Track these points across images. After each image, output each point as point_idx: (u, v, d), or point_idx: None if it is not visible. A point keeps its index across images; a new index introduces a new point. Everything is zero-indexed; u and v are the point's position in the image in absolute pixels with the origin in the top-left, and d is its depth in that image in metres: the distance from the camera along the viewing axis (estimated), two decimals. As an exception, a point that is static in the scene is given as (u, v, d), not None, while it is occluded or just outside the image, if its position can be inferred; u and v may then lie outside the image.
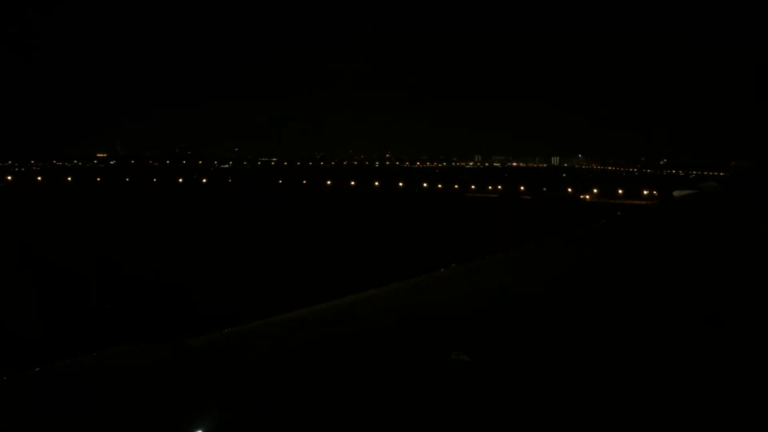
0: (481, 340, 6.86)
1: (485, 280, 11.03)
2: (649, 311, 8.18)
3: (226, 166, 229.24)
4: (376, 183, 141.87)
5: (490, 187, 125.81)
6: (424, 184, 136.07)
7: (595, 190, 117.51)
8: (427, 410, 5.21)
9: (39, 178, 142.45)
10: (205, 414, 4.96)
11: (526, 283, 10.40)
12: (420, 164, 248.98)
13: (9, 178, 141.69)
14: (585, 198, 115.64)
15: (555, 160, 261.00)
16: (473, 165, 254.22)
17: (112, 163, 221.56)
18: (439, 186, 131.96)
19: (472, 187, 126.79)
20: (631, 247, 14.04)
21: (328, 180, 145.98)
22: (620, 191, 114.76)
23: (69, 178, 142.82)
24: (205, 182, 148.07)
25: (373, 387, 5.53)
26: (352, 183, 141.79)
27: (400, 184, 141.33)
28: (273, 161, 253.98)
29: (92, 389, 5.05)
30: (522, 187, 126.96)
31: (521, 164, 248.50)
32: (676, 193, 29.70)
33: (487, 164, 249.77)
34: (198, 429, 4.84)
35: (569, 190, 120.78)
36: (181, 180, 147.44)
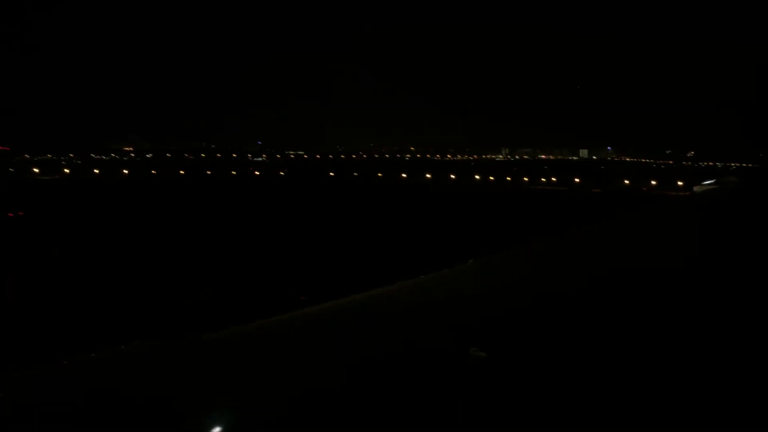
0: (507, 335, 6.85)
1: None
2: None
3: (260, 159, 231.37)
4: (428, 175, 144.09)
5: (543, 179, 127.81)
6: (477, 177, 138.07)
7: (653, 182, 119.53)
8: (440, 406, 5.19)
9: (96, 171, 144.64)
10: (224, 410, 4.98)
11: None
12: (451, 157, 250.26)
13: (67, 171, 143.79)
14: (644, 189, 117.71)
15: (583, 153, 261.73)
16: (502, 158, 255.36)
17: (149, 156, 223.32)
18: (491, 178, 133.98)
19: (525, 179, 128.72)
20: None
21: (378, 172, 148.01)
22: (680, 183, 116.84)
23: (125, 171, 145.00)
24: (259, 175, 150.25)
25: (387, 383, 5.55)
26: (404, 175, 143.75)
27: (452, 176, 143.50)
28: (304, 155, 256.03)
29: (112, 384, 5.35)
30: (576, 179, 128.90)
31: (550, 157, 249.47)
32: (696, 188, 29.67)
33: (517, 157, 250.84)
34: (218, 424, 4.83)
35: (626, 182, 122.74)
36: (234, 173, 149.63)
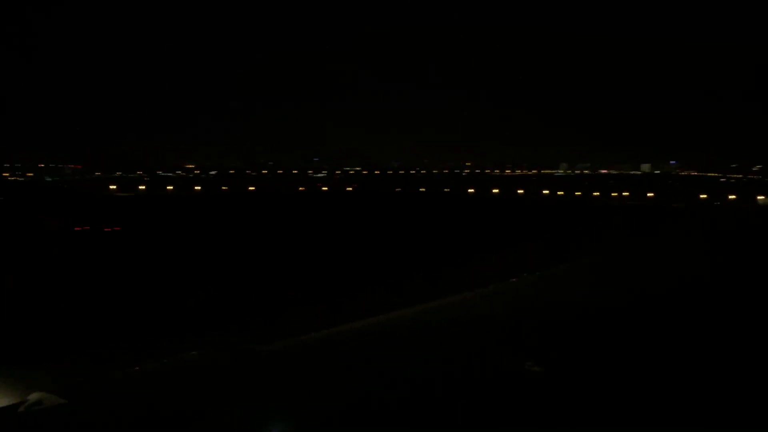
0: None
1: None
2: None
3: (321, 175, 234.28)
4: (495, 190, 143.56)
5: (626, 194, 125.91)
6: (559, 192, 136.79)
7: (760, 197, 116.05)
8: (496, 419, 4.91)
9: (170, 188, 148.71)
10: (281, 416, 5.06)
11: None
12: (510, 172, 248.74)
13: (142, 187, 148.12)
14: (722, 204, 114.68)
15: (645, 167, 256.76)
16: (563, 172, 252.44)
17: (212, 173, 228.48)
18: (578, 193, 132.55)
19: (613, 194, 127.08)
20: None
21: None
22: (760, 197, 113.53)
23: (197, 188, 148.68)
24: (327, 190, 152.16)
25: (441, 393, 5.43)
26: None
27: (520, 191, 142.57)
28: (363, 170, 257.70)
29: (176, 391, 5.43)
30: (650, 194, 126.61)
31: (612, 171, 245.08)
32: (761, 199, 29.25)
33: (578, 171, 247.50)
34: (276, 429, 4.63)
35: (730, 197, 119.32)
36: (302, 188, 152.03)
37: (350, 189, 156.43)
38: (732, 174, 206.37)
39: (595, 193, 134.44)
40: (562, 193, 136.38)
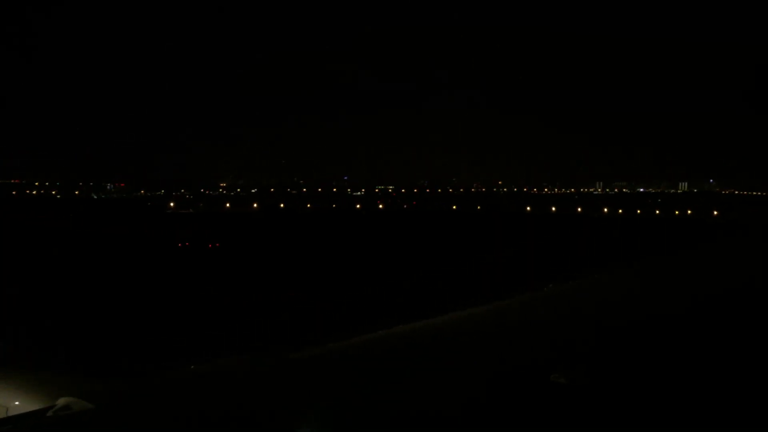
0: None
1: None
2: None
3: (359, 193, 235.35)
4: (552, 208, 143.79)
5: (688, 211, 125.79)
6: (610, 209, 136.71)
7: None
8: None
9: (228, 205, 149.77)
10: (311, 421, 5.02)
11: None
12: (548, 191, 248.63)
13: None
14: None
15: (682, 186, 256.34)
16: (600, 191, 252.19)
17: (254, 191, 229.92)
18: (638, 211, 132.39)
19: (676, 212, 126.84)
20: None
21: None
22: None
23: (255, 205, 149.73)
24: (383, 208, 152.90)
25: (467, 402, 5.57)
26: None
27: (579, 209, 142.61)
28: (390, 189, 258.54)
29: (211, 396, 5.53)
30: (715, 212, 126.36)
31: (650, 190, 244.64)
32: None
33: (616, 190, 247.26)
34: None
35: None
36: (358, 206, 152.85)
37: (407, 207, 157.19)
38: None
39: (657, 212, 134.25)
40: (621, 211, 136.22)
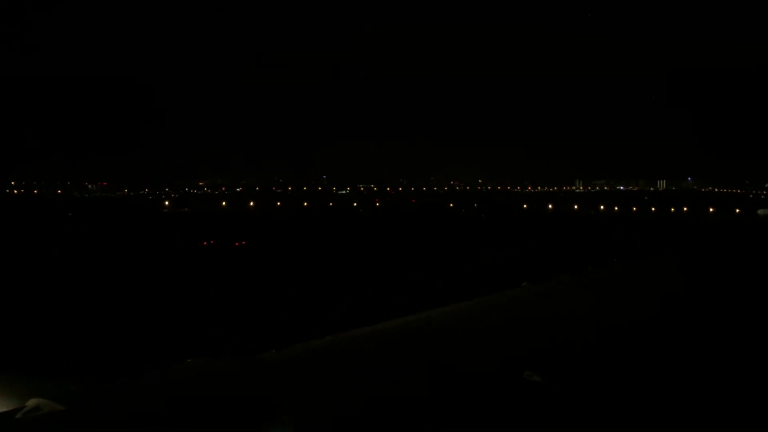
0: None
1: None
2: None
3: (344, 192, 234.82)
4: (549, 206, 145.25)
5: (685, 209, 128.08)
6: (615, 208, 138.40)
7: None
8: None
9: (224, 203, 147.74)
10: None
11: None
12: (531, 189, 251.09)
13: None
14: None
15: (661, 184, 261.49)
16: (580, 190, 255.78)
17: (239, 190, 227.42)
18: (635, 209, 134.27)
19: (684, 209, 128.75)
20: None
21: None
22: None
23: (251, 203, 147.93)
24: (379, 206, 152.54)
25: (438, 402, 5.51)
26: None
27: (576, 206, 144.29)
28: (374, 187, 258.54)
29: (170, 402, 5.38)
30: (711, 209, 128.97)
31: (631, 188, 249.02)
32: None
33: (598, 188, 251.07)
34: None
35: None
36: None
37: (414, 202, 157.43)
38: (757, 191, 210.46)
39: (652, 209, 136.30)
40: (617, 208, 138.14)
